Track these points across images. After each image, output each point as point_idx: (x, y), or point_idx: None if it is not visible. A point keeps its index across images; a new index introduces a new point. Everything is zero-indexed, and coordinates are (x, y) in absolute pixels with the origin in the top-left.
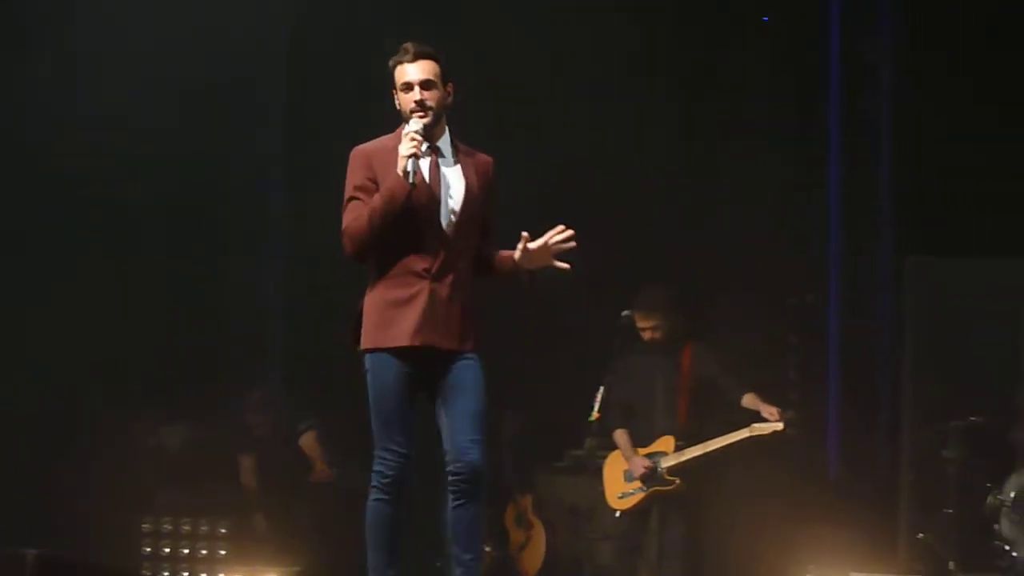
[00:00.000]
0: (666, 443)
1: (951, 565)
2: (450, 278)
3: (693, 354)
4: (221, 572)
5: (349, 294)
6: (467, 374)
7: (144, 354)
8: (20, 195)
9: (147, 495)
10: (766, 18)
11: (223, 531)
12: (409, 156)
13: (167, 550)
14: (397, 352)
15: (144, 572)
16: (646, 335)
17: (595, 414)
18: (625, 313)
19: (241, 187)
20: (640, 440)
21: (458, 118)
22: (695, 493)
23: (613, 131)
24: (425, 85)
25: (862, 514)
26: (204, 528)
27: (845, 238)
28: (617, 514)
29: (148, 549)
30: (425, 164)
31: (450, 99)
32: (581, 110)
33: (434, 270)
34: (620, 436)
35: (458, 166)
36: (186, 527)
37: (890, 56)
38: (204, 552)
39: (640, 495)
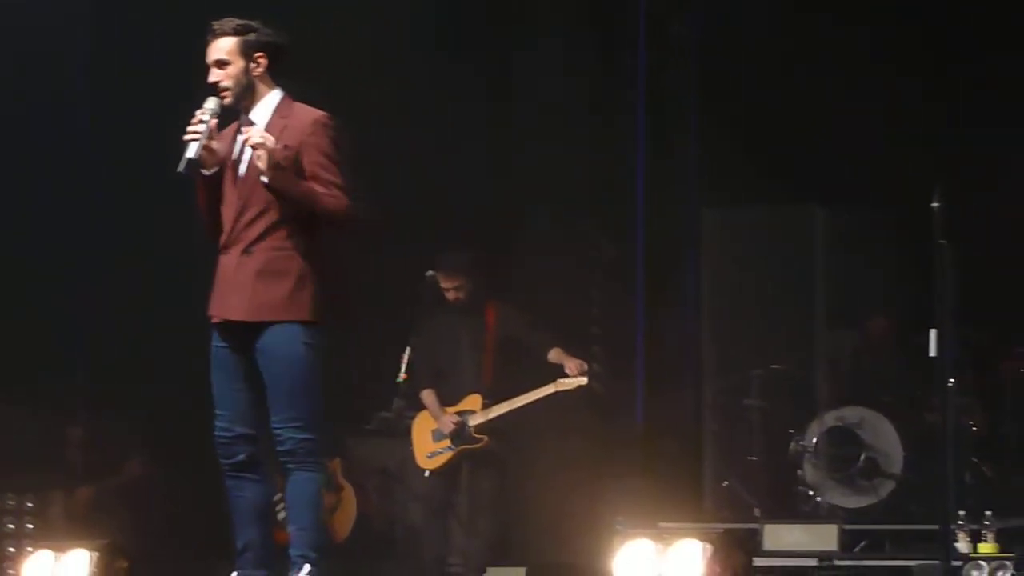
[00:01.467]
0: (473, 401)
1: (756, 511)
2: (239, 247)
3: (497, 312)
4: (28, 547)
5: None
6: (266, 347)
7: None
8: None
9: None
10: None
11: (30, 505)
12: (187, 140)
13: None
14: (215, 327)
15: None
16: (450, 295)
17: (402, 375)
18: (429, 274)
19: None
20: (448, 400)
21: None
22: (503, 450)
23: (416, 84)
24: (218, 64)
25: (669, 465)
26: (11, 503)
27: (649, 192)
28: (426, 474)
29: None
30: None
31: (259, 69)
32: (379, 61)
33: (225, 240)
34: (427, 396)
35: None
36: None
37: (693, 14)
38: (11, 526)
39: (449, 454)
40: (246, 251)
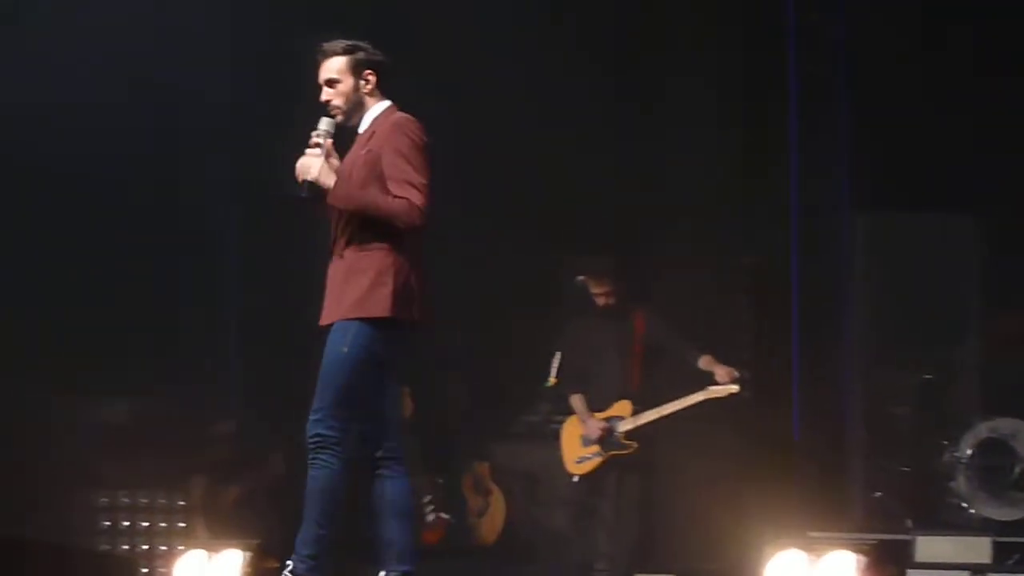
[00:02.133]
0: (622, 407)
1: (907, 523)
2: (337, 252)
3: (646, 318)
4: (180, 545)
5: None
6: (331, 345)
7: (89, 331)
8: None
9: (101, 471)
10: None
11: (181, 503)
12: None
13: (126, 523)
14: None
15: (103, 546)
16: (600, 300)
17: (552, 380)
18: (578, 279)
19: (190, 163)
20: (596, 405)
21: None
22: (652, 457)
23: (559, 95)
24: (329, 83)
25: (818, 474)
26: (162, 501)
27: (802, 196)
28: (575, 479)
29: (107, 523)
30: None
31: (369, 86)
32: (519, 70)
33: (330, 249)
34: (576, 401)
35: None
36: (144, 500)
37: (843, 14)
38: (163, 525)
39: (597, 460)
40: (338, 255)
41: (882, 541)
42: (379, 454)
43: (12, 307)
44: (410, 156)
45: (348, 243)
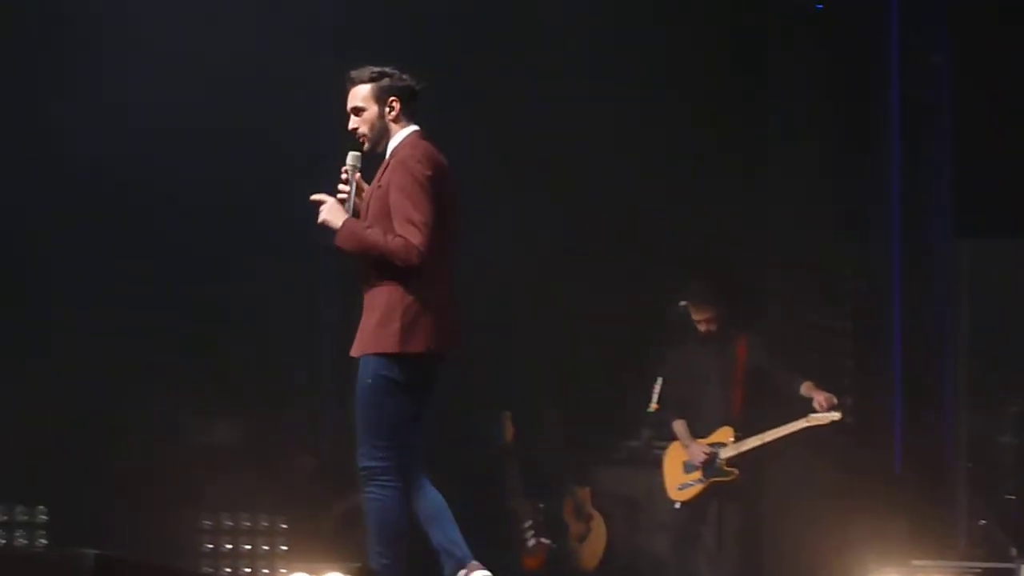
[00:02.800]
0: (724, 434)
1: (1012, 551)
2: (364, 286)
3: (749, 345)
4: (282, 568)
5: None
6: (359, 380)
7: (200, 352)
8: (89, 199)
9: (204, 492)
10: (820, 5)
11: (283, 526)
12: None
13: (228, 546)
14: None
15: (205, 569)
16: (701, 327)
17: (653, 405)
18: (681, 304)
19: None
20: (698, 431)
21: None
22: (754, 483)
23: (661, 120)
24: (355, 111)
25: (922, 501)
26: (264, 524)
27: (905, 223)
28: (677, 505)
29: (209, 545)
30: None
31: (393, 113)
32: (632, 100)
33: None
34: (679, 426)
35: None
36: (246, 523)
37: (947, 43)
38: (265, 548)
39: (699, 486)
40: (363, 292)
41: (986, 570)
42: (408, 476)
43: (130, 328)
44: (411, 193)
45: (365, 280)
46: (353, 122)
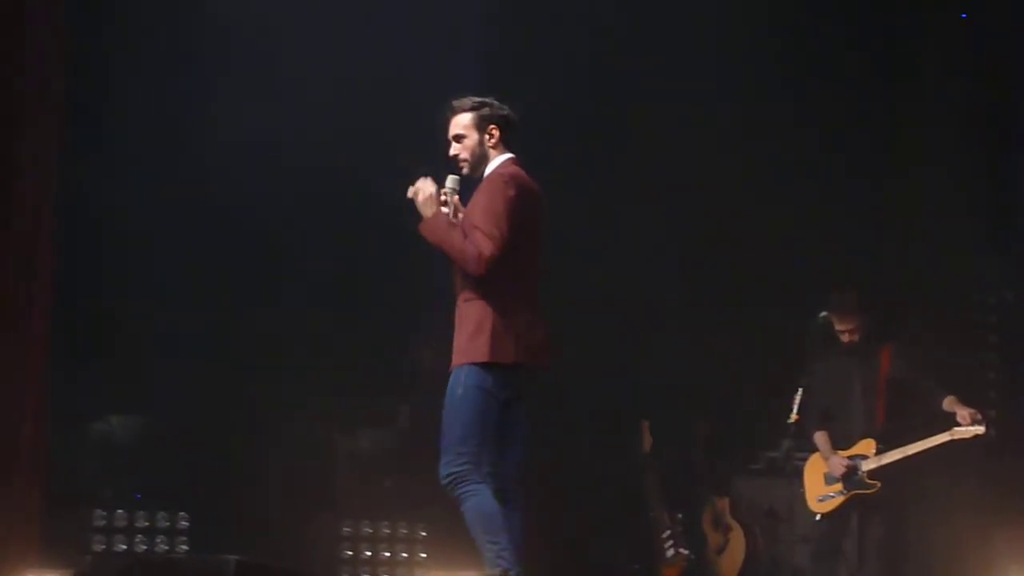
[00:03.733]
0: (866, 446)
1: None
2: (457, 302)
3: (892, 356)
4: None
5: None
6: (448, 391)
7: (339, 360)
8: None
9: (344, 499)
10: (964, 15)
11: (423, 534)
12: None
13: (367, 553)
14: None
15: None
16: (844, 337)
17: (794, 416)
18: (822, 315)
19: None
20: (840, 443)
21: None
22: (895, 496)
23: (804, 129)
24: (456, 138)
25: None
26: (403, 531)
27: None
28: (817, 517)
29: (349, 552)
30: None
31: (493, 140)
32: (772, 110)
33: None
34: (820, 438)
35: None
36: (386, 530)
37: None
38: (404, 555)
39: (840, 498)
40: (457, 305)
41: None
42: (502, 487)
43: (272, 335)
44: (489, 208)
45: (459, 293)
46: (454, 148)
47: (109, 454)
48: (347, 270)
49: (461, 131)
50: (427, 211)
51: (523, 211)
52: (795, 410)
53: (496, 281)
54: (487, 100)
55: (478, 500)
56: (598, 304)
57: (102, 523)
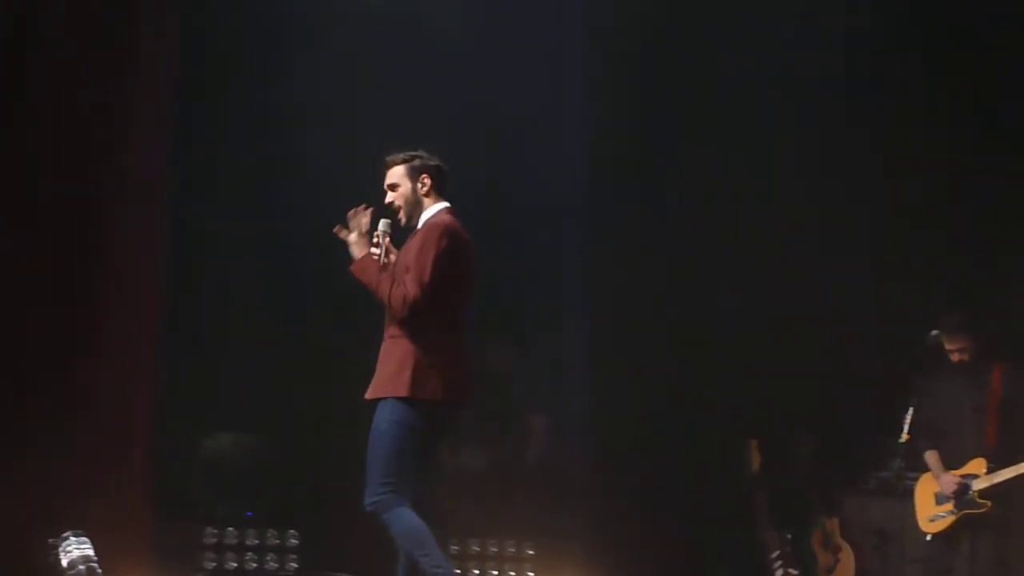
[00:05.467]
0: (977, 465)
1: None
2: (385, 338)
3: (1003, 375)
4: None
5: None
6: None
7: None
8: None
9: (452, 517)
10: None
11: (530, 552)
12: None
13: (475, 572)
14: None
15: None
16: (954, 357)
17: (904, 435)
18: (933, 334)
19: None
20: (950, 462)
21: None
22: (1008, 516)
23: (914, 148)
24: (391, 187)
25: None
26: (511, 550)
27: None
28: (928, 537)
29: (457, 571)
30: None
31: (424, 188)
32: (881, 134)
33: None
34: (931, 457)
35: None
36: (493, 548)
37: None
38: (512, 574)
39: (951, 518)
40: (385, 339)
41: None
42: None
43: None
44: (424, 256)
45: (386, 329)
46: (389, 197)
47: (220, 472)
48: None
49: (396, 181)
50: (357, 252)
51: (453, 259)
52: (906, 429)
53: (421, 322)
54: (418, 152)
55: (404, 522)
56: (706, 323)
57: (213, 541)
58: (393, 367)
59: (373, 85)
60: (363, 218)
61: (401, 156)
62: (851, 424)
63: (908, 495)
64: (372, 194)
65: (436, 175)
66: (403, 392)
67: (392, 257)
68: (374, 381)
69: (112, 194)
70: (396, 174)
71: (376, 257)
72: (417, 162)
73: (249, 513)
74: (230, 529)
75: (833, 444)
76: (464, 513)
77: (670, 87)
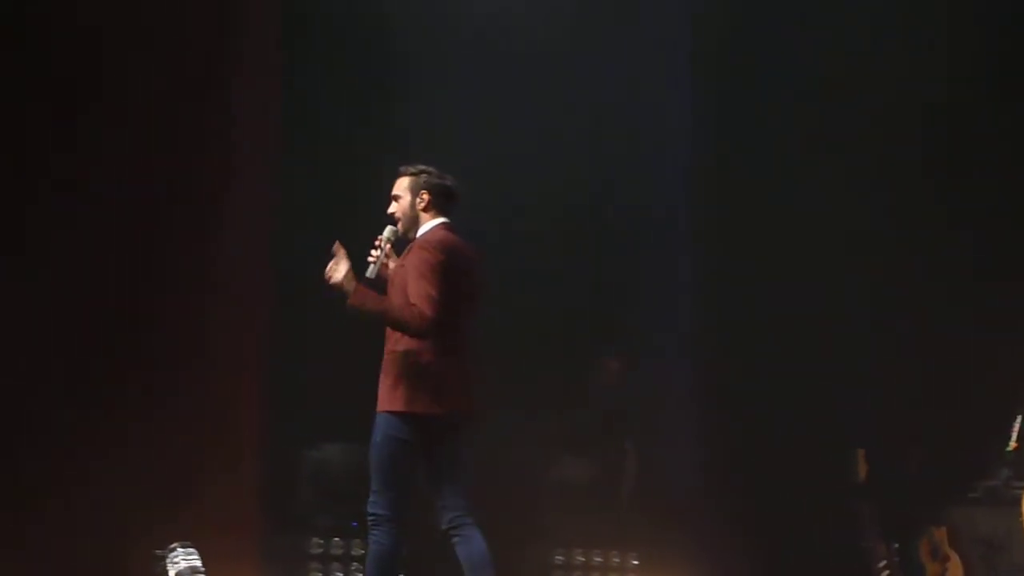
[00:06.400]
0: None
1: None
2: (386, 352)
3: None
4: None
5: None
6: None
7: (546, 385)
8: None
9: (556, 527)
10: None
11: (635, 562)
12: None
13: None
14: None
15: None
16: None
17: (1012, 444)
18: None
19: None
20: None
21: None
22: None
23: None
24: (395, 198)
25: None
26: (616, 560)
27: None
28: None
29: None
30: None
31: (423, 204)
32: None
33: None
34: None
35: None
36: (597, 558)
37: None
38: None
39: None
40: (385, 355)
41: None
42: (449, 523)
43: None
44: (424, 272)
45: (385, 344)
46: (392, 207)
47: (326, 483)
48: (563, 307)
49: (399, 192)
50: (350, 285)
51: (451, 272)
52: (1014, 438)
53: (419, 337)
54: (427, 169)
55: (383, 550)
56: (814, 330)
57: (318, 551)
58: (390, 382)
59: (480, 90)
60: (342, 253)
61: (410, 169)
62: (959, 433)
63: (1016, 504)
64: (491, 196)
65: (438, 193)
66: (398, 407)
67: (390, 263)
68: (378, 395)
69: (220, 205)
70: (400, 186)
71: (373, 260)
72: (422, 178)
73: (355, 523)
74: (336, 539)
75: (941, 453)
76: (568, 524)
77: (778, 84)
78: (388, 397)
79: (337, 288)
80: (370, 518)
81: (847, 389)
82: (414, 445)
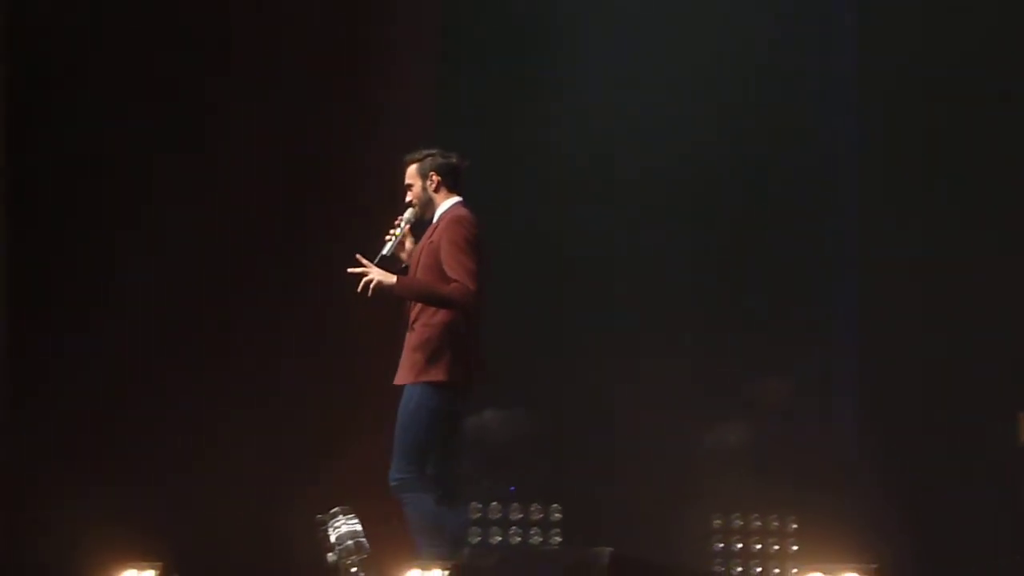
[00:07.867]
0: None
1: None
2: (410, 327)
3: None
4: (794, 568)
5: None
6: (402, 405)
7: (694, 354)
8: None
9: (715, 491)
10: None
11: (794, 527)
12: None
13: (739, 546)
14: None
15: (716, 568)
16: None
17: None
18: None
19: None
20: None
21: None
22: None
23: None
24: (407, 187)
25: None
26: (775, 524)
27: None
28: None
29: (720, 545)
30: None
31: (433, 184)
32: None
33: (406, 321)
34: None
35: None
36: (756, 523)
37: None
38: (776, 548)
39: None
40: (410, 328)
41: None
42: (447, 489)
43: (627, 338)
44: (463, 247)
45: (416, 320)
46: (408, 195)
47: (484, 448)
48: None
49: (410, 180)
50: (389, 280)
51: (481, 246)
52: None
53: (450, 311)
54: (431, 151)
55: (418, 508)
56: (974, 297)
57: (478, 516)
58: (427, 354)
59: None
60: (364, 262)
61: (416, 156)
62: None
63: None
64: (636, 181)
65: (446, 173)
66: (440, 377)
67: (408, 244)
68: (404, 367)
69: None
70: (410, 174)
71: (391, 239)
72: (427, 161)
73: (513, 488)
74: (494, 504)
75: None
76: (727, 488)
77: (945, 84)
78: (426, 368)
79: (377, 288)
80: (394, 484)
81: (1009, 350)
82: (448, 415)
